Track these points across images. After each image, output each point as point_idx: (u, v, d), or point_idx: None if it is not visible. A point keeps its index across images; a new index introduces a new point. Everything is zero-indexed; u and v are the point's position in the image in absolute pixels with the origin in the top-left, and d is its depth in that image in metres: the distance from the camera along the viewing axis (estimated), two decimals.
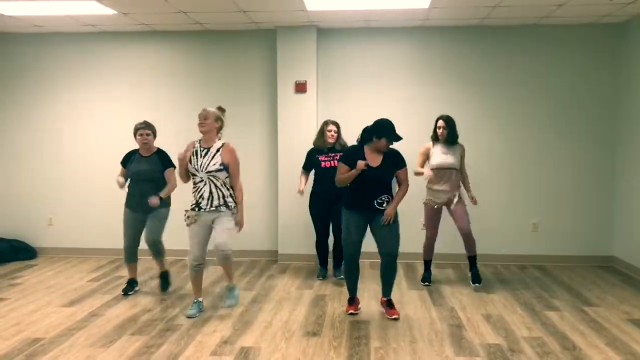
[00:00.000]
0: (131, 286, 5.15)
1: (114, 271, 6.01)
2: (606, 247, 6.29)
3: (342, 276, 5.33)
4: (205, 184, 4.37)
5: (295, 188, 5.77)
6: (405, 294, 5.14)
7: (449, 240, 5.76)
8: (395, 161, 4.37)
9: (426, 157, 5.30)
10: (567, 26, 6.15)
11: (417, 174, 5.22)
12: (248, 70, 6.51)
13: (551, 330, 4.17)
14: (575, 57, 6.21)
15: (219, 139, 4.45)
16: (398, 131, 4.29)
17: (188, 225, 4.42)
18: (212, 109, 4.42)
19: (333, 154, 5.42)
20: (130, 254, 5.05)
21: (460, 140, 5.34)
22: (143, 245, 5.04)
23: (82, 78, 6.68)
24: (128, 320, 4.40)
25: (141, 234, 5.02)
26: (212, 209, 4.36)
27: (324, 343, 3.91)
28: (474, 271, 5.29)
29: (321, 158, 5.45)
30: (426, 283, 5.43)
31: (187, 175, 4.48)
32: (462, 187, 5.34)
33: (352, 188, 4.34)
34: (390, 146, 4.33)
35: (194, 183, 4.43)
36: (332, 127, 5.45)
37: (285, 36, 6.26)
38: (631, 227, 5.86)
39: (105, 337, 4.03)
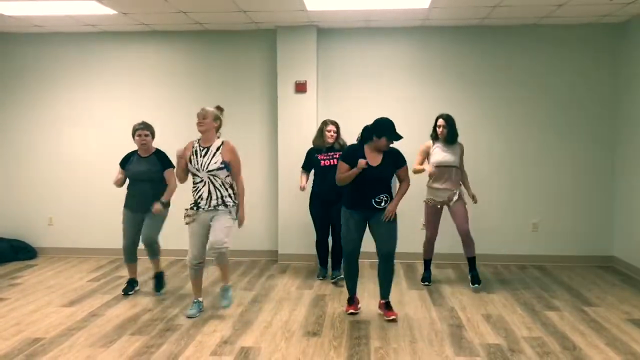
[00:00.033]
0: (131, 286, 5.15)
1: (114, 271, 6.01)
2: (606, 247, 6.29)
3: (340, 276, 5.33)
4: (204, 184, 4.37)
5: (296, 188, 5.78)
6: (405, 293, 5.14)
7: (449, 240, 5.76)
8: (395, 160, 4.37)
9: (426, 155, 5.30)
10: (567, 26, 6.15)
11: (417, 171, 5.20)
12: (248, 70, 6.51)
13: (551, 330, 4.17)
14: (575, 57, 6.21)
15: (218, 138, 4.46)
16: (398, 130, 4.29)
17: (187, 224, 4.43)
18: (211, 108, 4.42)
19: (332, 153, 5.42)
20: (130, 254, 5.05)
21: (460, 140, 5.34)
22: (142, 245, 5.04)
23: (82, 78, 6.68)
24: (128, 320, 4.40)
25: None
26: (210, 208, 4.37)
27: (324, 343, 3.91)
28: (474, 273, 5.28)
29: (320, 157, 5.45)
30: (426, 283, 5.43)
31: (185, 175, 4.48)
32: (463, 186, 5.34)
33: (352, 187, 4.34)
34: (391, 145, 4.33)
35: (194, 183, 4.44)
36: (331, 127, 5.45)
37: (285, 36, 6.26)
38: (631, 227, 5.86)
39: (105, 337, 4.03)
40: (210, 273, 5.71)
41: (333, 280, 5.46)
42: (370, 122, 4.37)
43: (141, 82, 6.63)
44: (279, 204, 6.41)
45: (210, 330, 4.17)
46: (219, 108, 4.50)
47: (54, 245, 6.80)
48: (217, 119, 4.42)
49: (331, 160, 5.37)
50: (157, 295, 5.02)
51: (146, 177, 4.91)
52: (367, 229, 4.45)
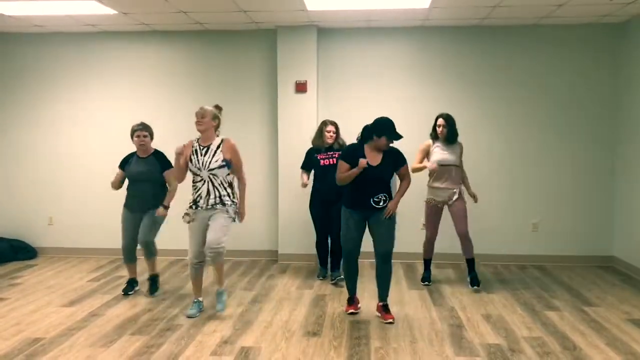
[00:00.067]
0: (131, 286, 5.15)
1: (114, 271, 6.01)
2: (606, 247, 6.29)
3: (340, 277, 5.33)
4: (204, 183, 4.37)
5: (296, 188, 5.77)
6: (405, 293, 5.14)
7: (449, 240, 5.76)
8: (395, 160, 4.38)
9: (425, 154, 5.29)
10: (567, 26, 6.15)
11: (416, 170, 5.18)
12: (248, 70, 6.51)
13: (551, 330, 4.17)
14: (575, 57, 6.21)
15: (217, 136, 4.46)
16: (398, 130, 4.29)
17: (187, 223, 4.44)
18: (209, 107, 4.42)
19: (332, 152, 5.42)
20: (129, 254, 5.05)
21: (460, 139, 5.33)
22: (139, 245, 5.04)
23: (82, 78, 6.68)
24: (128, 320, 4.40)
25: None
26: (208, 207, 4.37)
27: (324, 343, 3.91)
28: (473, 274, 5.26)
29: (320, 157, 5.45)
30: (426, 283, 5.43)
31: (184, 173, 4.47)
32: (463, 186, 5.33)
33: (352, 187, 4.34)
34: (390, 145, 4.33)
35: (193, 182, 4.44)
36: (330, 128, 5.45)
37: (285, 36, 6.26)
38: (631, 227, 5.86)
39: (105, 337, 4.03)
40: (211, 273, 5.68)
41: (333, 281, 5.46)
42: (370, 121, 4.36)
43: (141, 82, 6.63)
44: (279, 204, 6.41)
45: (211, 330, 4.17)
46: (218, 107, 4.50)
47: (54, 245, 6.80)
48: (216, 117, 4.42)
49: (331, 160, 5.37)
50: (152, 297, 5.00)
51: (145, 177, 4.92)
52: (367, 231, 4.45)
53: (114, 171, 5.10)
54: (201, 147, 4.40)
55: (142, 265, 5.33)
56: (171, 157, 4.75)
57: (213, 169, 4.33)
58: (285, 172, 6.27)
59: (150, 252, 5.00)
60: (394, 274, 5.39)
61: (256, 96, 6.53)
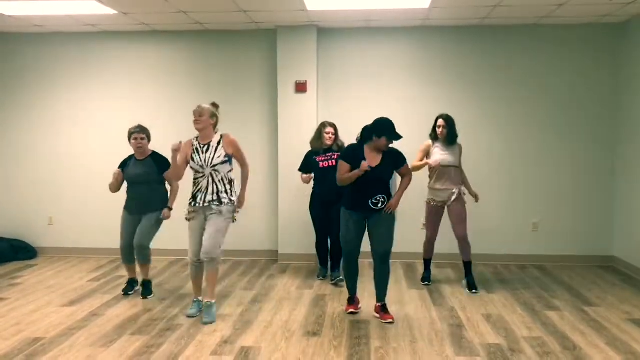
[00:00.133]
0: (131, 286, 5.15)
1: (114, 271, 6.01)
2: (606, 247, 6.29)
3: (340, 277, 5.33)
4: (204, 178, 4.38)
5: (296, 188, 5.78)
6: (405, 293, 5.14)
7: (449, 240, 5.74)
8: (395, 160, 4.38)
9: (425, 154, 5.28)
10: (567, 26, 6.15)
11: (416, 168, 5.16)
12: (248, 70, 6.51)
13: (551, 330, 4.17)
14: (575, 57, 6.21)
15: (216, 133, 4.46)
16: (398, 130, 4.29)
17: (187, 220, 4.45)
18: (207, 105, 4.42)
19: (331, 154, 5.41)
20: (127, 255, 5.05)
21: (460, 140, 5.33)
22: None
23: (82, 78, 6.68)
24: (128, 320, 4.40)
25: None
26: (205, 204, 4.37)
27: (324, 343, 3.91)
28: (469, 279, 5.24)
29: (319, 159, 5.44)
30: (426, 283, 5.43)
31: (181, 170, 4.47)
32: (464, 187, 5.32)
33: (351, 188, 4.34)
34: (390, 145, 4.33)
35: (194, 179, 4.45)
36: (330, 129, 5.44)
37: (285, 36, 6.26)
38: (631, 227, 5.86)
39: (105, 337, 4.03)
40: None
41: (333, 281, 5.46)
42: (370, 122, 4.36)
43: (141, 82, 6.63)
44: (279, 204, 6.41)
45: (211, 330, 4.17)
46: (215, 105, 4.50)
47: (54, 245, 6.80)
48: (214, 116, 4.43)
49: (330, 162, 5.37)
50: (149, 298, 4.99)
51: (143, 179, 4.93)
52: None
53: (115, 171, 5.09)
54: (201, 145, 4.40)
55: None
56: (170, 158, 4.75)
57: (216, 165, 4.34)
58: (285, 172, 6.27)
59: (145, 257, 4.97)
60: (394, 273, 5.41)
61: (256, 96, 6.53)
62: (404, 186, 4.43)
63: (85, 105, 6.68)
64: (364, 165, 4.18)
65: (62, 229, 6.80)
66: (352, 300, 4.59)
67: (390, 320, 4.33)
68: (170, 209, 4.98)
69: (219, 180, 4.39)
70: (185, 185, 4.71)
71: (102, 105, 6.67)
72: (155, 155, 5.03)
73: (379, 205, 4.31)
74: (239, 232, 5.90)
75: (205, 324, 4.29)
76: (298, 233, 6.32)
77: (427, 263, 5.51)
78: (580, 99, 6.23)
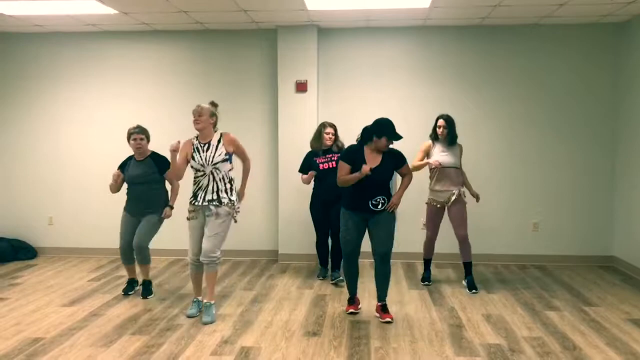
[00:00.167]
0: (131, 286, 5.15)
1: (114, 271, 6.01)
2: (606, 247, 6.29)
3: (340, 278, 5.33)
4: (204, 177, 4.38)
5: (296, 188, 5.77)
6: (405, 293, 5.14)
7: (449, 240, 5.74)
8: (395, 161, 4.37)
9: (426, 155, 5.28)
10: (568, 26, 6.15)
11: (416, 168, 5.16)
12: (248, 70, 6.51)
13: (551, 330, 4.17)
14: (576, 57, 6.21)
15: (216, 132, 4.47)
16: (398, 130, 4.29)
17: (188, 219, 4.45)
18: (206, 105, 4.42)
19: (330, 155, 5.41)
20: (126, 256, 5.05)
21: (460, 140, 5.32)
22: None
23: (83, 78, 6.67)
24: (128, 319, 4.40)
25: None
26: (204, 203, 4.37)
27: (324, 343, 3.91)
28: (469, 279, 5.24)
29: (319, 160, 5.43)
30: (426, 283, 5.43)
31: (181, 170, 4.46)
32: (464, 187, 5.32)
33: (351, 189, 4.33)
34: (390, 145, 4.32)
35: (195, 177, 4.45)
36: (329, 130, 5.44)
37: (285, 36, 6.26)
38: (631, 227, 5.86)
39: (105, 336, 4.03)
40: None
41: (333, 282, 5.46)
42: (370, 121, 4.36)
43: (142, 81, 6.63)
44: (279, 204, 6.41)
45: (211, 330, 4.17)
46: (213, 104, 4.50)
47: (54, 245, 6.81)
48: (213, 115, 4.43)
49: (330, 163, 5.37)
50: (149, 298, 5.00)
51: (142, 180, 4.93)
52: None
53: (115, 171, 5.08)
54: (202, 144, 4.40)
55: None
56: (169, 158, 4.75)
57: (217, 163, 4.34)
58: (286, 171, 6.27)
59: (144, 258, 4.97)
60: (394, 273, 5.41)
61: (256, 96, 6.53)
62: (405, 185, 4.43)
63: (86, 104, 6.68)
64: (365, 169, 4.17)
65: (62, 229, 6.80)
66: (353, 301, 4.59)
67: (389, 320, 4.33)
68: (172, 208, 4.99)
69: (220, 179, 4.39)
70: (186, 185, 4.71)
71: (103, 105, 6.67)
72: (154, 156, 5.03)
73: (379, 206, 4.31)
74: (239, 232, 5.89)
75: (205, 323, 4.29)
76: (298, 233, 6.32)
77: (427, 263, 5.51)
78: (580, 99, 6.23)
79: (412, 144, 5.18)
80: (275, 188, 6.51)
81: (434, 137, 5.29)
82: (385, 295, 4.48)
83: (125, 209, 5.04)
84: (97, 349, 3.80)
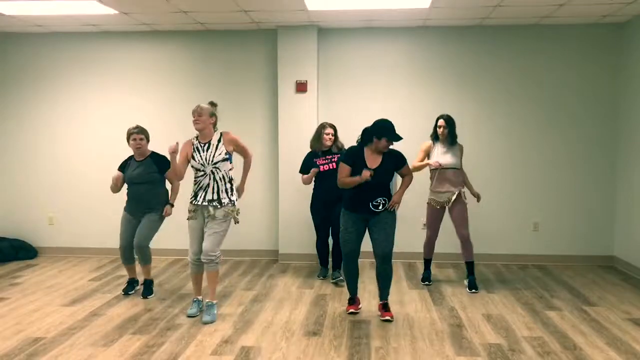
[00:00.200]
0: (132, 286, 5.15)
1: (114, 270, 6.01)
2: (607, 247, 6.29)
3: (340, 277, 5.33)
4: (205, 177, 4.39)
5: (296, 188, 5.76)
6: (405, 293, 5.14)
7: (449, 240, 5.76)
8: (395, 161, 4.38)
9: (426, 155, 5.28)
10: (568, 26, 6.15)
11: (417, 168, 5.16)
12: (249, 70, 6.51)
13: (552, 329, 4.17)
14: (575, 57, 6.21)
15: (216, 132, 4.47)
16: (398, 131, 4.29)
17: (188, 219, 4.45)
18: (205, 104, 4.43)
19: (330, 156, 5.41)
20: (127, 255, 5.05)
21: (460, 140, 5.33)
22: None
23: (83, 78, 6.68)
24: (129, 319, 4.41)
25: None
26: (204, 203, 4.38)
27: (325, 343, 3.92)
28: (471, 278, 5.24)
29: (319, 162, 5.42)
30: (426, 282, 5.43)
31: (182, 171, 4.46)
32: (465, 188, 5.32)
33: (352, 190, 4.33)
34: (391, 146, 4.33)
35: (195, 177, 4.45)
36: (329, 130, 5.43)
37: (286, 36, 6.26)
38: (631, 227, 5.87)
39: (106, 336, 4.03)
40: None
41: (333, 281, 5.46)
42: (370, 122, 4.36)
43: (142, 81, 6.63)
44: (280, 204, 6.41)
45: (211, 329, 4.17)
46: (212, 103, 4.50)
47: (54, 245, 6.81)
48: (213, 114, 4.43)
49: (330, 165, 5.36)
50: (149, 298, 5.00)
51: (142, 180, 4.93)
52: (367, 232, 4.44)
53: (114, 171, 5.09)
54: (202, 144, 4.41)
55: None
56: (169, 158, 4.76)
57: (217, 163, 4.35)
58: (286, 172, 6.27)
59: (145, 258, 4.97)
60: (395, 273, 5.41)
61: (256, 96, 6.53)
62: (405, 185, 4.44)
63: (86, 104, 6.68)
64: (366, 174, 4.17)
65: (62, 228, 6.81)
66: (353, 301, 4.59)
67: (388, 318, 4.33)
68: (172, 206, 4.99)
69: (220, 179, 4.39)
70: (186, 185, 4.71)
71: (103, 105, 6.67)
72: (154, 156, 5.04)
73: (380, 207, 4.32)
74: (239, 232, 5.90)
75: (206, 323, 4.30)
76: (298, 233, 6.32)
77: (427, 263, 5.51)
78: (580, 99, 6.23)
79: (412, 144, 5.18)
80: (276, 188, 6.51)
81: (435, 137, 5.29)
82: (387, 295, 4.48)
83: (126, 209, 5.05)
84: (97, 348, 3.80)
